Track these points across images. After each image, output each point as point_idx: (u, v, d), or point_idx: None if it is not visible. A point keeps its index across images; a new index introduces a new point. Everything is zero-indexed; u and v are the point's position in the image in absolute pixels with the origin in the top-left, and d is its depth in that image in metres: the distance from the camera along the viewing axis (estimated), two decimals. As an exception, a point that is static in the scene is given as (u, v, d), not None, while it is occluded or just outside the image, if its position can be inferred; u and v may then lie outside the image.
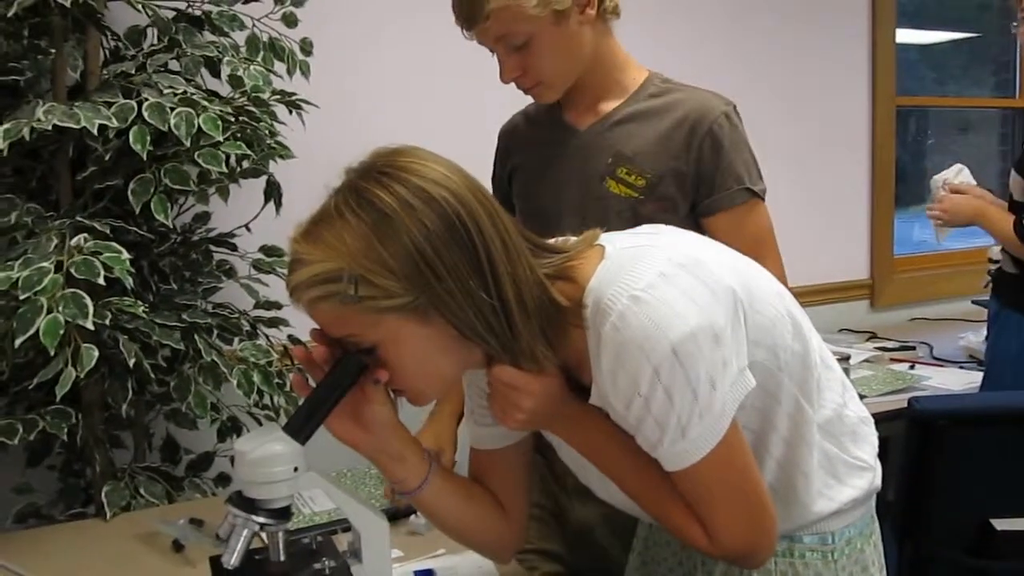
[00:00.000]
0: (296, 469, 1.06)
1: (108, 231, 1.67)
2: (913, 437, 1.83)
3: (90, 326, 1.50)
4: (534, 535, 1.57)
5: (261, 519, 1.06)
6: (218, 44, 1.92)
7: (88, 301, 1.51)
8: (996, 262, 2.51)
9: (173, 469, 1.98)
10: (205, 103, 1.71)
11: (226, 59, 1.88)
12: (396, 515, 1.60)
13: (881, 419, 1.37)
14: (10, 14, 1.63)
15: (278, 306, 2.02)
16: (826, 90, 3.30)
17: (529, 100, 1.61)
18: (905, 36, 3.58)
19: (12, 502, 1.91)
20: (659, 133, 1.52)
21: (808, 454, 1.10)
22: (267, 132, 1.83)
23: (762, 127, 3.06)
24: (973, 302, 3.15)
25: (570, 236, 1.11)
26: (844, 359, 2.50)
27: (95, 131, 1.60)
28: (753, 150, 1.55)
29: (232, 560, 1.05)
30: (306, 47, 2.02)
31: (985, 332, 2.72)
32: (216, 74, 1.94)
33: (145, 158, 1.65)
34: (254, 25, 1.97)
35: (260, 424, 1.89)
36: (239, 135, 1.76)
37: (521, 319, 0.98)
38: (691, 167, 1.50)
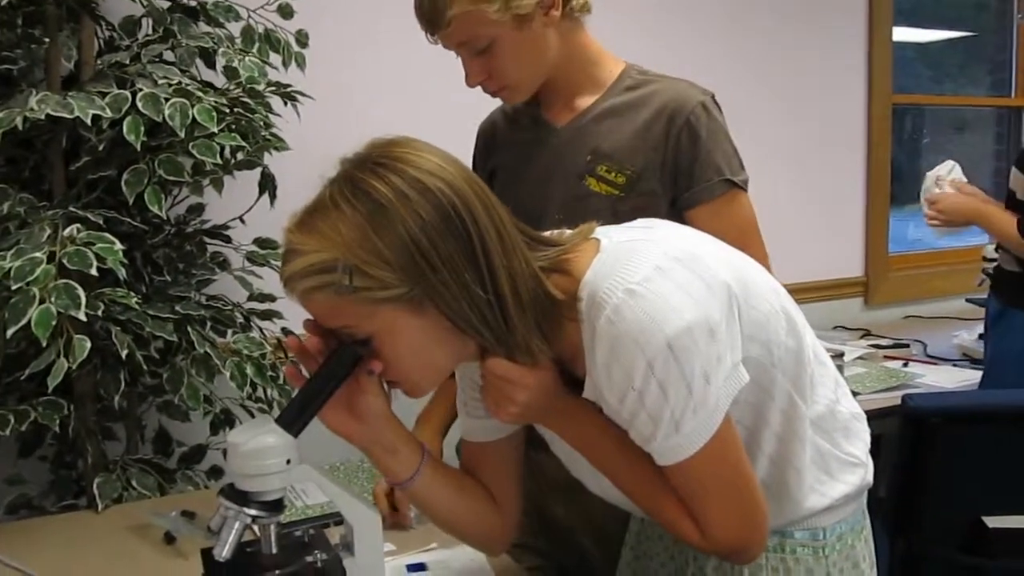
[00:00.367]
0: (289, 462, 1.05)
1: (101, 222, 1.66)
2: (906, 434, 1.83)
3: (82, 317, 1.49)
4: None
5: (253, 511, 1.05)
6: (213, 35, 1.91)
7: (81, 292, 1.50)
8: (991, 260, 2.51)
9: (165, 461, 1.98)
10: (200, 94, 1.70)
11: (221, 50, 1.87)
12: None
13: (874, 416, 1.38)
14: (4, 3, 1.62)
15: (272, 298, 2.01)
16: (823, 88, 3.30)
17: None
18: (902, 35, 3.59)
19: (4, 493, 1.91)
20: (637, 127, 1.49)
21: (800, 450, 1.10)
22: (262, 124, 1.82)
23: (759, 125, 3.10)
24: (967, 300, 3.16)
25: (565, 229, 1.11)
26: (838, 356, 2.51)
27: (89, 121, 1.60)
28: (733, 140, 1.53)
29: (224, 552, 1.05)
30: (302, 39, 2.01)
31: (980, 330, 2.73)
32: (211, 65, 1.93)
33: (139, 149, 1.64)
34: (249, 16, 1.97)
35: (253, 417, 1.88)
36: (234, 126, 1.75)
37: (516, 312, 0.98)
38: (669, 159, 1.48)
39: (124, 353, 1.64)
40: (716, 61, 2.95)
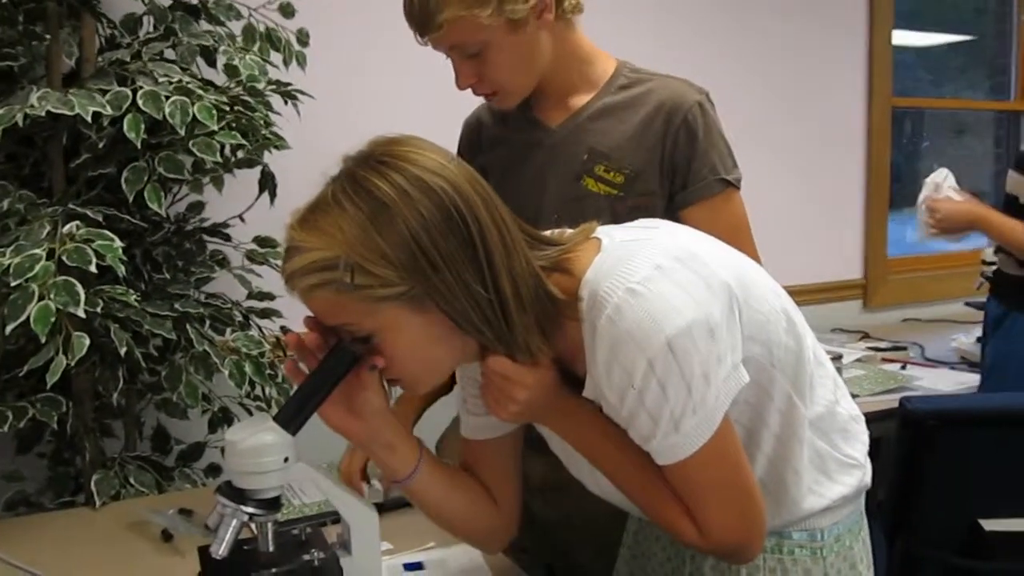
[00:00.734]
0: (286, 460, 1.05)
1: (101, 219, 1.66)
2: (904, 437, 1.83)
3: (81, 314, 1.50)
4: None
5: (250, 509, 1.05)
6: (214, 33, 1.91)
7: (80, 289, 1.50)
8: (990, 263, 2.51)
9: (163, 459, 1.98)
10: (200, 92, 1.70)
11: (222, 48, 1.87)
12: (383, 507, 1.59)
13: (872, 419, 1.38)
14: (5, -1, 1.62)
15: (271, 297, 2.01)
16: (823, 90, 3.31)
17: None
18: (902, 38, 3.59)
19: (2, 489, 1.91)
20: (634, 126, 1.48)
21: (799, 450, 1.10)
22: (262, 122, 1.82)
23: (759, 126, 3.10)
24: (966, 304, 3.16)
25: (566, 228, 1.11)
26: (836, 358, 2.51)
27: (89, 118, 1.60)
28: (727, 138, 1.52)
29: (221, 550, 1.05)
30: (302, 38, 2.01)
31: (978, 334, 2.73)
32: (212, 63, 1.93)
33: (139, 146, 1.64)
34: (251, 15, 1.97)
35: (251, 415, 1.88)
36: (234, 125, 1.75)
37: (516, 311, 0.98)
38: (667, 158, 1.47)
39: (123, 350, 1.64)
40: (717, 63, 2.95)
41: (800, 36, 3.23)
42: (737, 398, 1.00)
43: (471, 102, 1.61)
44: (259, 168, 1.94)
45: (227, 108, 1.75)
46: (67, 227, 1.57)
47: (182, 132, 1.65)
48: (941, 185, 2.56)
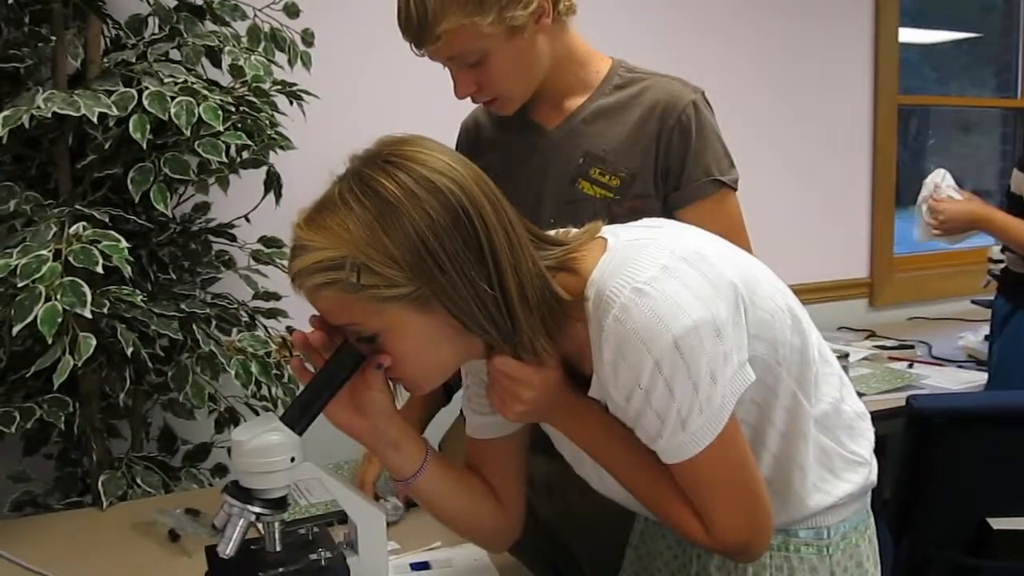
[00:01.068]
0: (293, 459, 1.06)
1: (107, 220, 1.66)
2: (911, 435, 1.83)
3: (88, 315, 1.50)
4: None
5: (257, 509, 1.06)
6: (219, 34, 1.91)
7: (86, 290, 1.50)
8: (997, 261, 2.51)
9: (170, 459, 1.98)
10: (206, 92, 1.70)
11: (227, 49, 1.87)
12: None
13: (879, 417, 1.37)
14: (11, 0, 1.62)
15: (277, 297, 2.01)
16: (828, 88, 3.30)
17: None
18: (907, 36, 3.58)
19: (9, 490, 1.91)
20: (628, 128, 1.47)
21: (804, 448, 1.10)
22: (267, 122, 1.82)
23: (764, 125, 3.10)
24: (973, 302, 3.16)
25: (571, 228, 1.11)
26: (843, 357, 2.50)
27: (95, 119, 1.60)
28: (723, 138, 1.50)
29: (228, 550, 1.05)
30: (307, 38, 2.01)
31: (985, 332, 2.73)
32: (217, 64, 1.94)
33: (145, 147, 1.64)
34: (255, 15, 1.97)
35: (258, 415, 1.88)
36: (239, 125, 1.75)
37: (522, 312, 0.98)
38: (661, 159, 1.46)
39: (129, 351, 1.64)
40: (721, 61, 2.95)
41: (806, 34, 3.22)
42: (743, 397, 1.00)
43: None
44: (264, 168, 1.94)
45: (232, 108, 1.75)
46: (73, 228, 1.57)
47: (187, 133, 1.65)
48: (940, 186, 2.56)
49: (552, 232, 1.10)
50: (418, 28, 1.35)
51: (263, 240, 2.00)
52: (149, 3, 1.83)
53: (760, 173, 3.05)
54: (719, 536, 1.02)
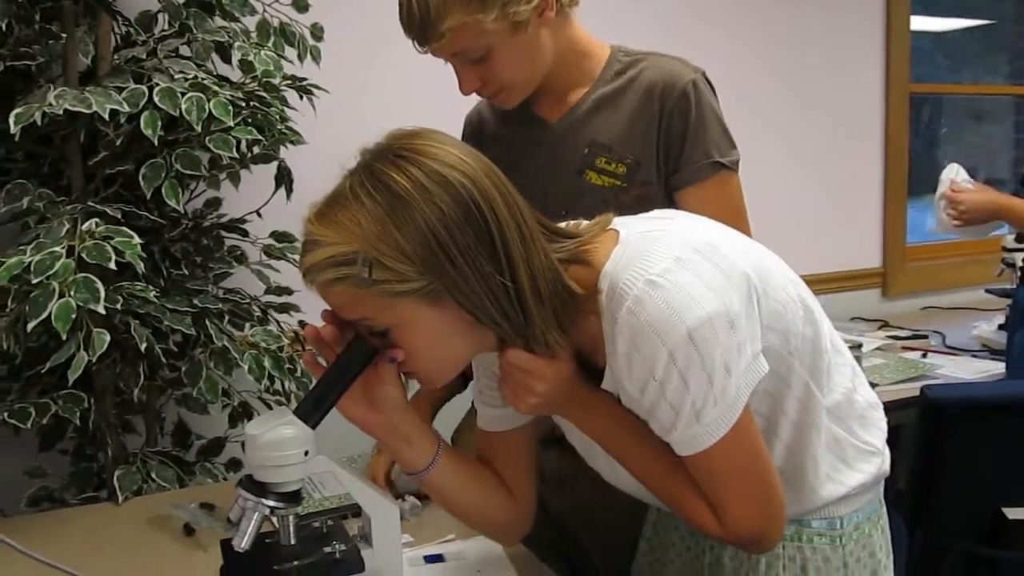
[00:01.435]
0: (307, 453, 1.06)
1: (119, 216, 1.67)
2: (925, 425, 1.82)
3: (101, 311, 1.50)
4: None
5: (271, 503, 1.06)
6: (229, 29, 1.91)
7: (100, 286, 1.51)
8: (1011, 250, 2.50)
9: (184, 454, 1.99)
10: (216, 88, 1.70)
11: (237, 44, 1.87)
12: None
13: (893, 407, 1.37)
14: (22, -1, 1.63)
15: (289, 291, 2.02)
16: (840, 77, 3.28)
17: None
18: (919, 23, 3.56)
19: (26, 486, 1.92)
20: (629, 113, 1.46)
21: (817, 438, 1.10)
22: (278, 117, 1.82)
23: (776, 114, 3.09)
24: (987, 291, 3.14)
25: (582, 220, 1.11)
26: (856, 347, 2.49)
27: (106, 116, 1.60)
28: (723, 119, 1.48)
29: (243, 543, 1.06)
30: (317, 32, 2.01)
31: (999, 321, 2.71)
32: (227, 59, 1.94)
33: (156, 143, 1.65)
34: (265, 10, 1.97)
35: (271, 409, 1.89)
36: (250, 120, 1.76)
37: (535, 305, 0.98)
38: (661, 141, 1.44)
39: (143, 346, 1.65)
40: (728, 50, 2.93)
41: (816, 22, 3.20)
42: (756, 388, 0.99)
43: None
44: (275, 163, 1.94)
45: (243, 104, 1.75)
46: (86, 224, 1.58)
47: (198, 128, 1.65)
48: (956, 181, 2.57)
49: (563, 224, 1.10)
50: (421, 26, 1.35)
51: (274, 235, 2.00)
52: (159, 0, 1.84)
53: (771, 163, 3.05)
54: (732, 527, 1.02)
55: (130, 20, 1.96)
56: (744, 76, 2.95)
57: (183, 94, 1.66)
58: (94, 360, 1.52)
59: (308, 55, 1.98)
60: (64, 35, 1.78)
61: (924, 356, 2.70)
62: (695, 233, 1.03)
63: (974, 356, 2.70)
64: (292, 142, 1.87)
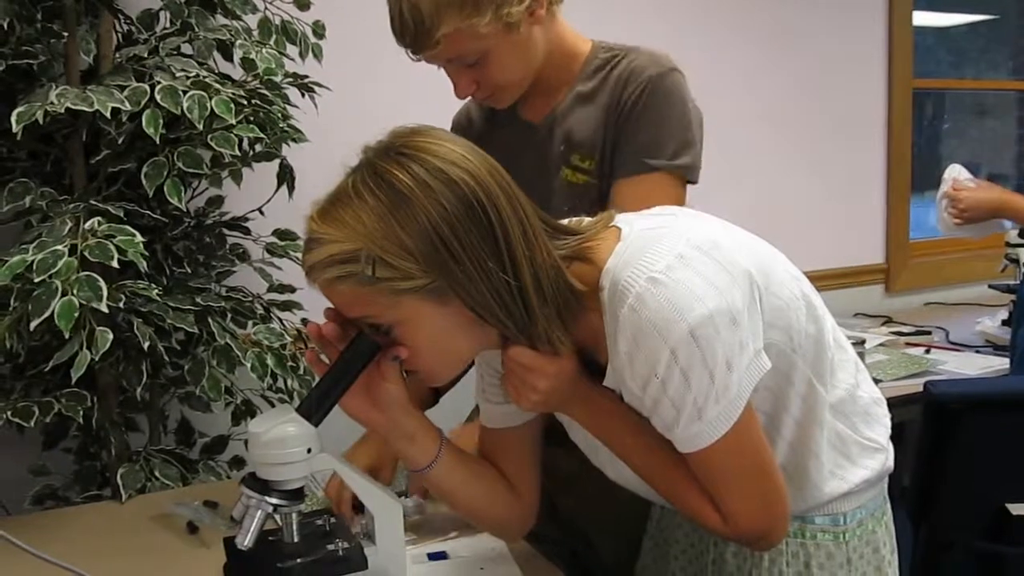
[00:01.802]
0: (309, 450, 1.06)
1: (122, 214, 1.67)
2: (929, 421, 1.82)
3: (104, 309, 1.51)
4: None
5: (275, 500, 1.06)
6: (230, 27, 1.91)
7: (102, 284, 1.51)
8: (1015, 246, 2.49)
9: (188, 452, 1.99)
10: (218, 86, 1.70)
11: (239, 42, 1.87)
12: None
13: (897, 403, 1.37)
14: (24, -3, 1.63)
15: (291, 289, 2.02)
16: (842, 73, 3.28)
17: None
18: (922, 19, 3.55)
19: (29, 484, 1.93)
20: (600, 108, 1.45)
21: (820, 435, 1.10)
22: (280, 115, 1.82)
23: (779, 110, 3.08)
24: (990, 287, 3.14)
25: (584, 217, 1.11)
26: (859, 343, 2.49)
27: (108, 114, 1.60)
28: (690, 121, 1.42)
29: (246, 541, 1.06)
30: (318, 30, 2.01)
31: (1003, 317, 2.71)
32: (228, 57, 1.94)
33: (158, 141, 1.65)
34: (266, 8, 1.97)
35: (274, 407, 1.89)
36: (252, 118, 1.76)
37: (538, 302, 0.98)
38: (610, 127, 1.43)
39: (146, 345, 1.65)
40: (735, 48, 2.93)
41: (819, 18, 3.19)
42: (758, 385, 0.99)
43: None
44: (277, 161, 1.94)
45: (245, 102, 1.75)
46: (88, 223, 1.58)
47: (200, 126, 1.65)
48: (958, 179, 2.58)
49: (565, 221, 1.10)
50: (415, 34, 1.34)
51: (277, 233, 2.00)
52: (161, -3, 1.84)
53: (774, 159, 3.04)
54: (736, 524, 1.02)
55: (132, 18, 1.96)
56: (747, 72, 2.95)
57: (185, 92, 1.66)
58: (97, 359, 1.53)
59: (310, 53, 1.98)
60: (66, 34, 1.78)
61: (927, 352, 2.69)
62: (698, 230, 1.03)
63: (978, 352, 2.69)
64: (294, 140, 1.87)
